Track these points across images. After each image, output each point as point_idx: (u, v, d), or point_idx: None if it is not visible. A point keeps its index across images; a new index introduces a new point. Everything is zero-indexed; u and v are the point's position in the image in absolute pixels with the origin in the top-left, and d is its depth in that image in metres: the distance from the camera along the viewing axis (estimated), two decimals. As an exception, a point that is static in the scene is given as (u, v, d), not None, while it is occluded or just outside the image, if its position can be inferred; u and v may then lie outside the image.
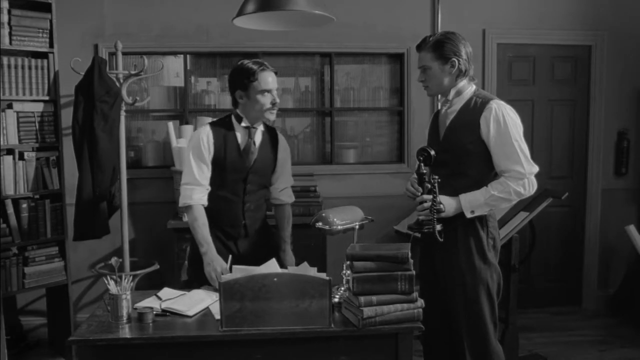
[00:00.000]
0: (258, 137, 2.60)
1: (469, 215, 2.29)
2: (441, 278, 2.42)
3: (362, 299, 1.95)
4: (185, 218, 3.58)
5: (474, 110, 2.31)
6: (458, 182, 2.32)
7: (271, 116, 2.55)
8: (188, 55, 4.10)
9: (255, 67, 2.46)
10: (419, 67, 2.40)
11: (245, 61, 2.51)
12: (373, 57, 4.27)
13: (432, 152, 2.33)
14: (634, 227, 4.02)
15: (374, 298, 1.95)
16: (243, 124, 2.55)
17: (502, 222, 3.15)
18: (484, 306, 2.33)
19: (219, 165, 2.52)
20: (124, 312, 2.02)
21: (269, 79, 2.47)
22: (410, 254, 2.01)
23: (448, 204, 2.28)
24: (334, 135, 4.25)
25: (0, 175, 3.22)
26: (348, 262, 2.02)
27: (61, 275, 3.50)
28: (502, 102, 2.32)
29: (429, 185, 2.26)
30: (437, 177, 2.24)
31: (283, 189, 2.70)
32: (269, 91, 2.48)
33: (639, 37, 4.33)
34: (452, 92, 2.37)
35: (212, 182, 2.54)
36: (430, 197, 2.25)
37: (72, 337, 1.94)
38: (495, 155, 2.29)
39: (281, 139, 2.70)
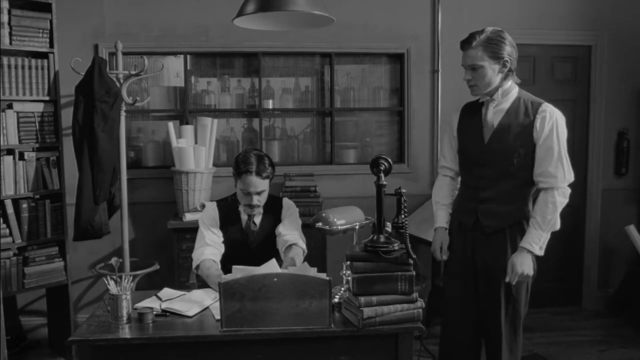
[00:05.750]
0: (258, 217, 2.68)
1: (541, 253, 2.29)
2: (482, 277, 2.42)
3: (362, 299, 1.95)
4: (186, 218, 3.60)
5: (526, 112, 2.30)
6: (505, 184, 2.32)
7: (248, 212, 2.64)
8: (188, 55, 4.10)
9: (242, 166, 2.55)
10: (467, 65, 2.30)
11: (242, 155, 2.60)
12: (373, 57, 4.27)
13: (390, 161, 2.12)
14: (634, 227, 4.02)
15: (374, 298, 1.96)
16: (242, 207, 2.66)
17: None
18: (521, 301, 2.43)
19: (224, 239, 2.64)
20: (124, 312, 2.03)
21: (249, 183, 2.53)
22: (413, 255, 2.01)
23: (527, 265, 2.26)
24: (334, 135, 4.24)
25: (0, 175, 3.22)
26: (348, 262, 2.02)
27: (61, 276, 3.50)
28: (552, 106, 2.31)
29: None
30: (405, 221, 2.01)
31: (289, 246, 2.56)
32: (247, 193, 2.56)
33: (639, 37, 4.33)
34: (500, 92, 2.32)
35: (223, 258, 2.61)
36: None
37: (72, 337, 1.95)
38: (542, 158, 2.27)
39: (285, 204, 2.74)
